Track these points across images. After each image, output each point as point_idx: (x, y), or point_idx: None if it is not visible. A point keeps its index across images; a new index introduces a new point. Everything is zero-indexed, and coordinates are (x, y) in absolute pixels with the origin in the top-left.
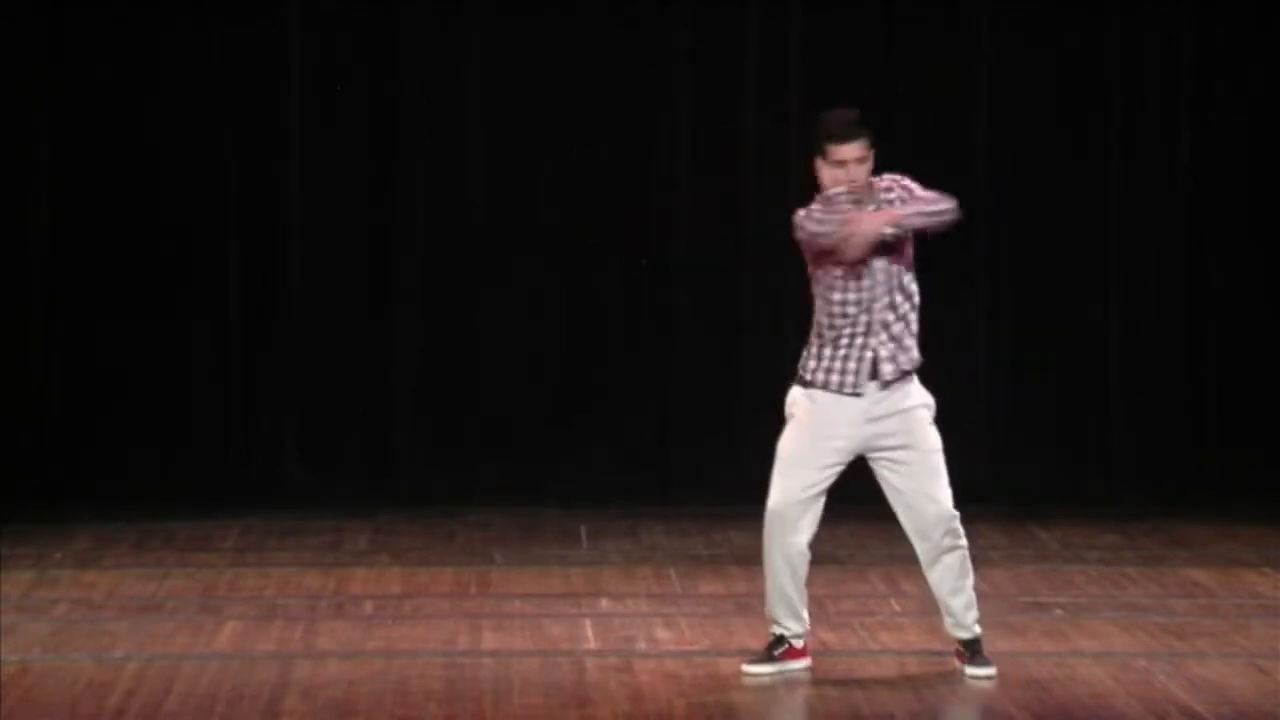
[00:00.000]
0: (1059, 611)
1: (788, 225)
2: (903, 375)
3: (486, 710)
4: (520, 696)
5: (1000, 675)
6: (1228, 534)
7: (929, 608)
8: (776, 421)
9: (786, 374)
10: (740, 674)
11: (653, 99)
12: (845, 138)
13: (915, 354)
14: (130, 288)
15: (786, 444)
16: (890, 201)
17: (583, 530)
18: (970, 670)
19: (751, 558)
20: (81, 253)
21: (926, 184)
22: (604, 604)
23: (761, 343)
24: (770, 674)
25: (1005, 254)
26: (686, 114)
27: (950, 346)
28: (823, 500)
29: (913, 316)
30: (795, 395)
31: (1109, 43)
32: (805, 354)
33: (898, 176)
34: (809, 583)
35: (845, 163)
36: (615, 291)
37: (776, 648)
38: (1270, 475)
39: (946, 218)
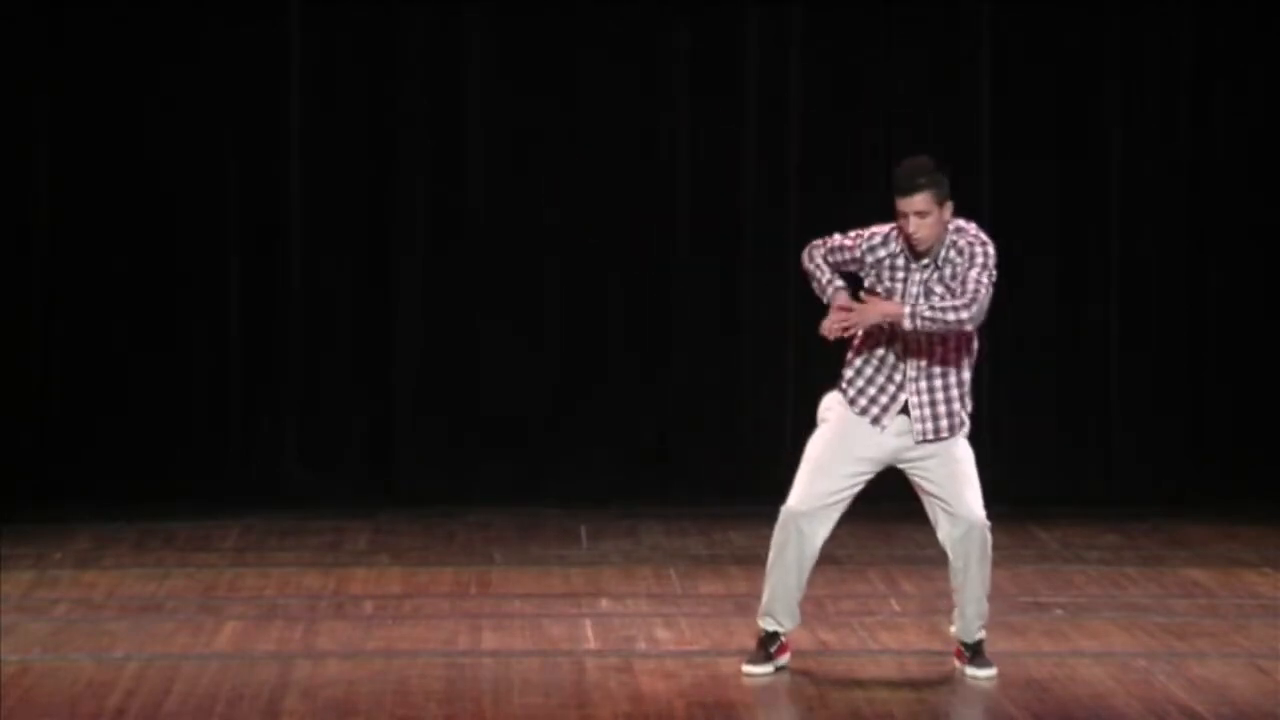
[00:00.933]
0: (1059, 611)
1: (788, 225)
2: (936, 438)
3: (486, 710)
4: (520, 696)
5: (1000, 675)
6: (1228, 534)
7: (929, 608)
8: (777, 421)
9: (786, 374)
10: (740, 674)
11: (653, 99)
12: (905, 190)
13: (962, 416)
14: (130, 288)
15: (815, 447)
16: (949, 264)
17: (583, 530)
18: (971, 670)
19: (751, 558)
20: (81, 253)
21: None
22: (604, 604)
23: (761, 343)
24: (769, 673)
25: (1006, 254)
26: (686, 114)
27: None
28: (845, 506)
29: (961, 377)
30: (831, 400)
31: (1109, 43)
32: (848, 356)
33: (978, 236)
34: (808, 582)
35: (905, 215)
36: (615, 291)
37: (771, 644)
38: (1270, 475)
39: (953, 328)
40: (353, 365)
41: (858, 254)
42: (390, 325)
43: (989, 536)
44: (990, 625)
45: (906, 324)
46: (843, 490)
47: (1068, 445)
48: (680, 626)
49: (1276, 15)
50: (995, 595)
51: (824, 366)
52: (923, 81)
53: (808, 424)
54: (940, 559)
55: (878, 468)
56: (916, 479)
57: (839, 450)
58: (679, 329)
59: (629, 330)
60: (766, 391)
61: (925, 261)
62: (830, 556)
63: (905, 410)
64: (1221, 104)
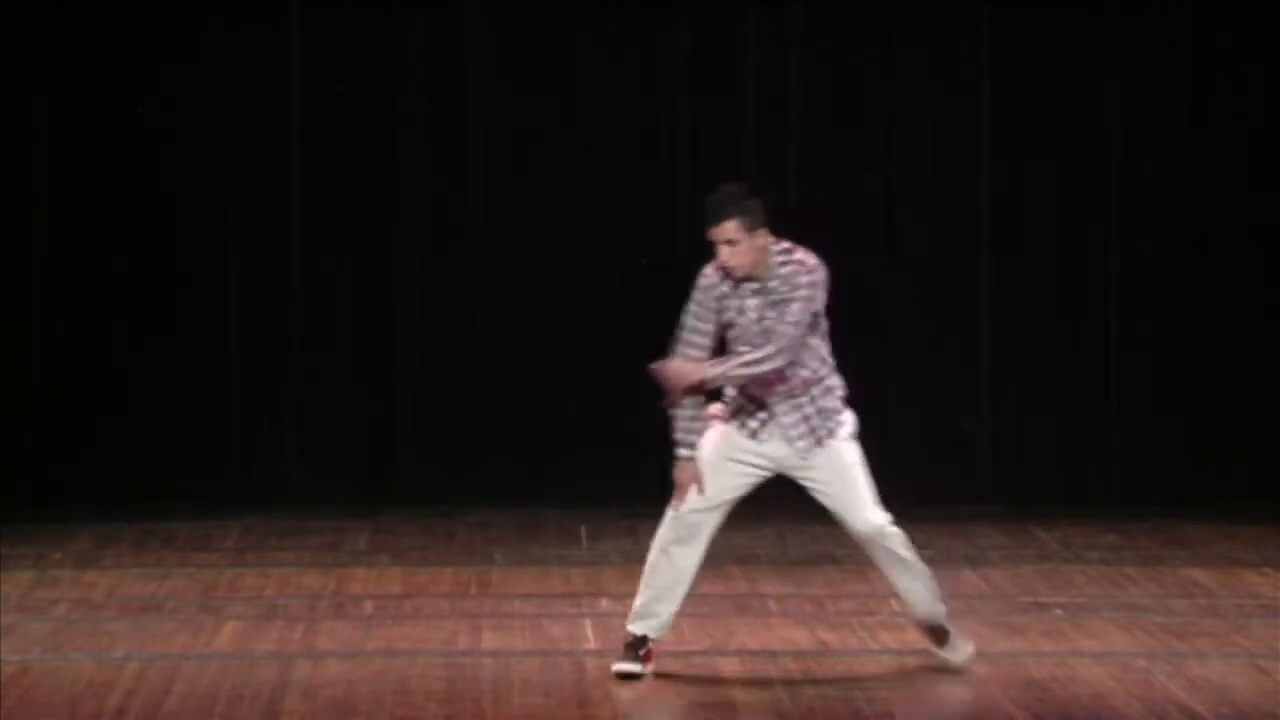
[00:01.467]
0: (1059, 611)
1: (786, 225)
2: (817, 445)
3: (486, 710)
4: (520, 696)
5: (1000, 675)
6: (1228, 534)
7: None
8: None
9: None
10: (619, 674)
11: (653, 99)
12: (713, 219)
13: (838, 418)
14: (130, 288)
15: (704, 450)
16: (775, 291)
17: (583, 530)
18: (945, 654)
19: (751, 558)
20: (81, 253)
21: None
22: (604, 604)
23: None
24: (641, 673)
25: (1006, 253)
26: (686, 114)
27: (951, 347)
28: (731, 507)
29: (823, 387)
30: (717, 408)
31: (1109, 43)
32: None
33: (803, 263)
34: (807, 582)
35: (717, 244)
36: (615, 291)
37: (641, 647)
38: (1270, 475)
39: (765, 371)
40: (353, 365)
41: (709, 306)
42: (390, 325)
43: (895, 533)
44: (990, 625)
45: (712, 374)
46: (729, 492)
47: (1068, 445)
48: (680, 626)
49: (1277, 15)
50: (995, 595)
51: None
52: (923, 81)
53: None
54: (942, 559)
55: (766, 472)
56: (811, 491)
57: (726, 451)
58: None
59: (629, 330)
60: None
61: (755, 286)
62: (830, 556)
63: (779, 429)
64: (1221, 104)
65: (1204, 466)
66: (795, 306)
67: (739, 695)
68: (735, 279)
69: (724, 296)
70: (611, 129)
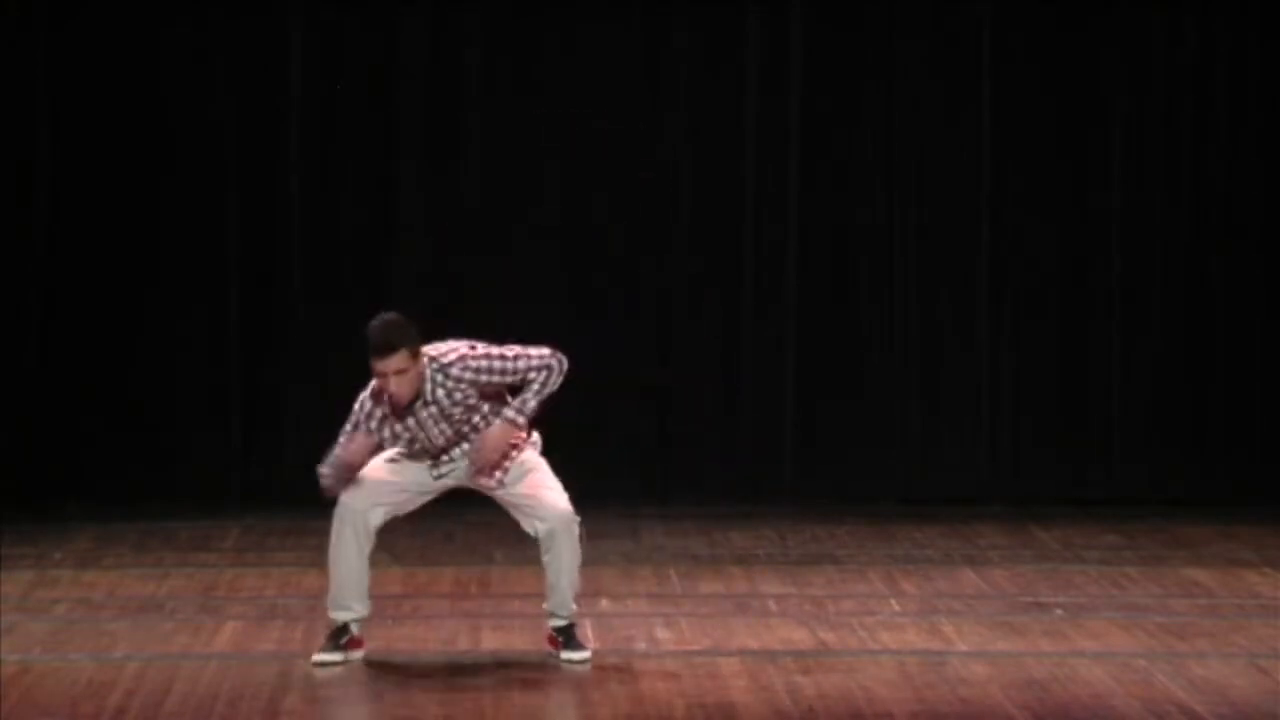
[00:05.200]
0: (1059, 611)
1: (787, 225)
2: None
3: (486, 710)
4: (520, 696)
5: (1000, 675)
6: (1228, 534)
7: (929, 608)
8: (777, 421)
9: (786, 374)
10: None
11: (653, 99)
12: (382, 352)
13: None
14: (130, 287)
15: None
16: (448, 397)
17: (582, 531)
18: (565, 655)
19: (751, 558)
20: (81, 252)
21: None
22: (604, 604)
23: (761, 343)
24: (340, 660)
25: (1007, 253)
26: (686, 114)
27: (951, 347)
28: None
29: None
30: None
31: (1109, 43)
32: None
33: (464, 358)
34: (807, 582)
35: (385, 375)
36: (615, 292)
37: (342, 636)
38: (1270, 475)
39: (556, 386)
40: (353, 365)
41: (368, 429)
42: None
43: (575, 529)
44: (990, 625)
45: (522, 420)
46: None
47: (1068, 445)
48: (680, 626)
49: (1277, 15)
50: (995, 595)
51: (823, 368)
52: (923, 81)
53: (808, 424)
54: (940, 559)
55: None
56: (496, 497)
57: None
58: (679, 329)
59: (629, 330)
60: (767, 391)
61: (420, 402)
62: (830, 556)
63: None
64: (1223, 102)
65: (1204, 466)
66: (517, 363)
67: (739, 695)
68: (400, 406)
69: (384, 419)
70: (611, 129)
